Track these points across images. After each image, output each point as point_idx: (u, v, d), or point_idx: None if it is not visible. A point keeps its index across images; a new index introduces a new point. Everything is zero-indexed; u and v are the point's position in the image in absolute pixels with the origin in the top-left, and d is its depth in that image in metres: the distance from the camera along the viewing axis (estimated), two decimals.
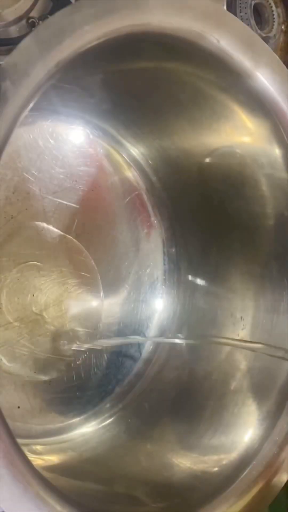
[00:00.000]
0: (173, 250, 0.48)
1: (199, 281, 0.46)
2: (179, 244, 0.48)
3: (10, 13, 0.42)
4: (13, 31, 0.42)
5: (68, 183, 0.42)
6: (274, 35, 0.55)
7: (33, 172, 0.40)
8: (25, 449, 0.24)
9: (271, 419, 0.36)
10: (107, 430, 0.43)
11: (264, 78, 0.34)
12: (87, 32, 0.26)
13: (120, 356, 0.46)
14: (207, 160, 0.41)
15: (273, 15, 0.55)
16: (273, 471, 0.34)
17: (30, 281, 0.40)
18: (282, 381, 0.37)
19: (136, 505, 0.34)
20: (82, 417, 0.43)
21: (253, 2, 0.53)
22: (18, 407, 0.39)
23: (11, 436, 0.23)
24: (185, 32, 0.31)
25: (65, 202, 0.42)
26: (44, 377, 0.41)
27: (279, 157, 0.36)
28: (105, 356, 0.44)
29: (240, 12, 0.52)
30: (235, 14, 0.51)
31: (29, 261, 0.40)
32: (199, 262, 0.46)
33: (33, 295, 0.40)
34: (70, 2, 0.41)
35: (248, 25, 0.51)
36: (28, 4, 0.42)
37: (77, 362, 0.43)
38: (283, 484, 0.34)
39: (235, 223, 0.42)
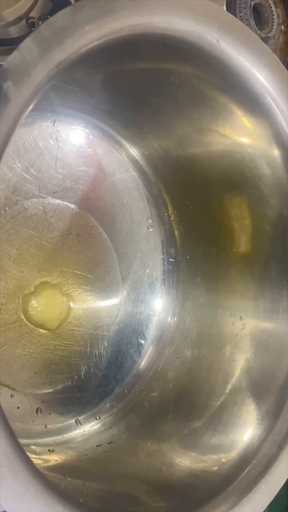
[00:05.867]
0: (173, 250, 0.48)
1: (199, 281, 0.46)
2: (178, 244, 0.48)
3: (10, 13, 0.42)
4: (13, 31, 0.42)
5: (68, 183, 0.42)
6: (274, 36, 0.55)
7: (33, 172, 0.40)
8: (25, 449, 0.25)
9: (271, 419, 0.36)
10: (107, 430, 0.43)
11: (263, 79, 0.34)
12: (87, 33, 0.26)
13: (119, 356, 0.46)
14: (207, 160, 0.42)
15: (273, 15, 0.55)
16: (272, 471, 0.34)
17: (30, 281, 0.40)
18: (281, 380, 0.37)
19: (136, 505, 0.34)
20: (82, 417, 0.43)
21: (252, 3, 0.53)
22: (18, 408, 0.39)
23: (12, 436, 0.23)
24: (184, 33, 0.31)
25: (64, 202, 0.42)
26: (44, 378, 0.41)
27: (278, 157, 0.36)
28: (104, 356, 0.44)
29: (240, 12, 0.52)
30: (235, 15, 0.51)
31: (29, 261, 0.40)
32: (198, 262, 0.46)
33: (34, 296, 0.40)
34: (70, 3, 0.41)
35: (247, 25, 0.51)
36: (28, 4, 0.42)
37: (77, 363, 0.43)
38: (283, 483, 0.34)
39: (234, 223, 0.42)
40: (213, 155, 0.41)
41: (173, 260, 0.48)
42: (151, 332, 0.47)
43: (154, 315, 0.48)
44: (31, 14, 0.42)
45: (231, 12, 0.50)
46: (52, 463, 0.38)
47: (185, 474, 0.36)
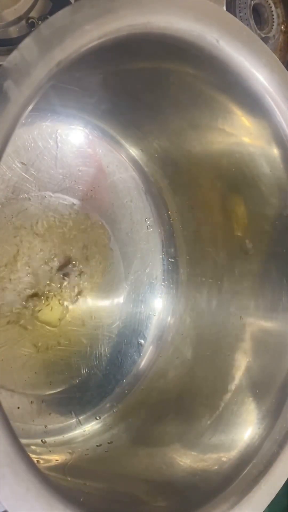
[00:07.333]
0: (172, 250, 0.48)
1: (199, 281, 0.46)
2: (178, 244, 0.48)
3: (10, 13, 0.42)
4: (13, 31, 0.42)
5: (68, 183, 0.42)
6: (273, 36, 0.55)
7: (32, 172, 0.40)
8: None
9: (271, 418, 0.36)
10: (107, 430, 0.43)
11: (263, 79, 0.34)
12: (87, 32, 0.26)
13: (119, 356, 0.46)
14: (206, 160, 0.42)
15: (273, 15, 0.55)
16: (273, 470, 0.34)
17: (30, 281, 0.40)
18: (281, 379, 0.37)
19: (136, 504, 0.34)
20: (82, 417, 0.43)
21: (252, 3, 0.53)
22: (18, 408, 0.39)
23: (13, 435, 0.23)
24: (184, 32, 0.31)
25: (64, 202, 0.42)
26: (44, 378, 0.41)
27: (278, 157, 0.36)
28: (104, 356, 0.44)
29: (240, 12, 0.52)
30: (235, 15, 0.51)
31: (30, 261, 0.40)
32: (198, 262, 0.46)
33: (34, 295, 0.40)
34: (70, 2, 0.41)
35: (247, 25, 0.52)
36: (28, 4, 0.42)
37: (77, 363, 0.43)
38: (283, 483, 0.34)
39: (234, 223, 0.42)
40: (212, 154, 0.41)
41: (173, 260, 0.48)
42: (151, 332, 0.47)
43: (154, 315, 0.48)
44: (31, 14, 0.42)
45: (231, 12, 0.50)
46: (52, 463, 0.38)
47: (185, 474, 0.36)
